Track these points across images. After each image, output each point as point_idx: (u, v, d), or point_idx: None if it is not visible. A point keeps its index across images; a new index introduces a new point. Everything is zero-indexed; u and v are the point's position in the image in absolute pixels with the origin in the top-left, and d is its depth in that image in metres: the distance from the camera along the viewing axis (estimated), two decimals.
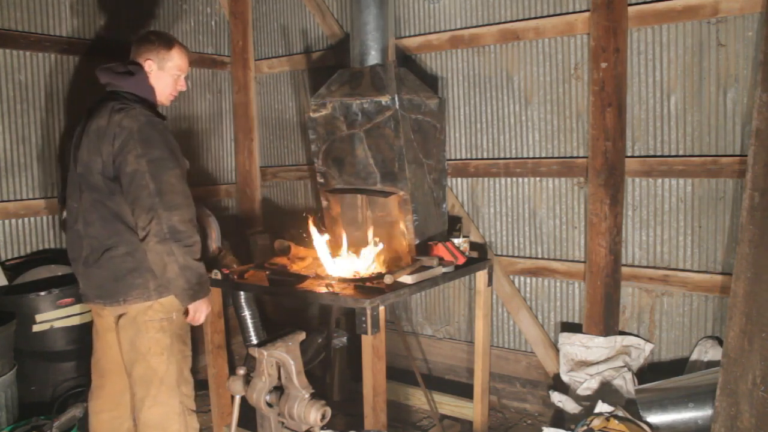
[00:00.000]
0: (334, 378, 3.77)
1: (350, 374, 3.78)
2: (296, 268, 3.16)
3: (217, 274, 3.05)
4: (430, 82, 3.73)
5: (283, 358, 1.99)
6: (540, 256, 3.58)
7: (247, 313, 3.53)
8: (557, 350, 3.48)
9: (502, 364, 3.75)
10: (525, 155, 3.56)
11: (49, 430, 2.96)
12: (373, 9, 3.26)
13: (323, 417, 1.96)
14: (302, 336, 2.10)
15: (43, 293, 3.16)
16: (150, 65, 2.57)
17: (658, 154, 3.17)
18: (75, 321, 3.26)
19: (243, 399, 2.09)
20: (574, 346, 3.32)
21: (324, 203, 3.55)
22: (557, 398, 3.29)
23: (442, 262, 3.08)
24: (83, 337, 3.16)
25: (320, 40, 4.29)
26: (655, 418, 2.78)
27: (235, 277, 3.09)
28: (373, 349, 2.65)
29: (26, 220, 3.57)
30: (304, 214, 3.35)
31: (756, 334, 2.50)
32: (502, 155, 3.63)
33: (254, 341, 3.52)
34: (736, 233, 2.94)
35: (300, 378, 1.99)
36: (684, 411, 2.76)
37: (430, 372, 4.06)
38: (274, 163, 4.70)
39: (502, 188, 3.66)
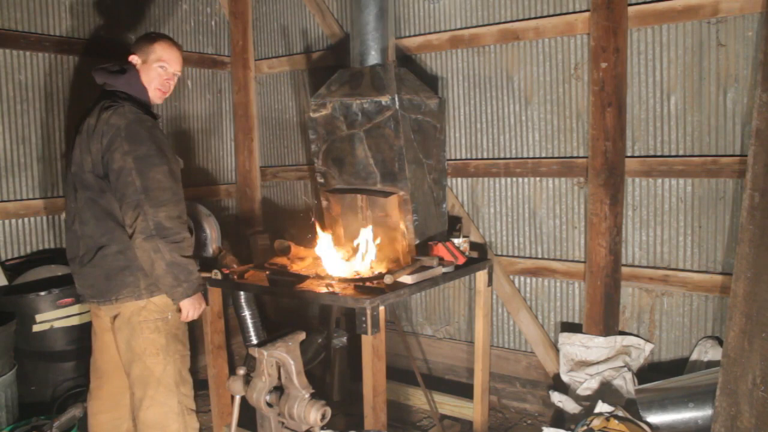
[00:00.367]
0: (334, 378, 3.76)
1: (350, 374, 3.78)
2: (296, 268, 3.16)
3: (217, 274, 3.05)
4: (430, 82, 3.73)
5: (283, 358, 1.99)
6: (540, 256, 3.58)
7: (247, 313, 3.53)
8: (557, 350, 3.48)
9: (502, 364, 3.75)
10: (525, 155, 3.56)
11: (49, 430, 2.96)
12: (373, 9, 3.26)
13: (323, 417, 1.97)
14: (302, 336, 2.10)
15: (43, 293, 3.16)
16: (135, 60, 2.59)
17: (658, 154, 3.17)
18: (75, 321, 3.26)
19: (243, 399, 2.09)
20: (574, 346, 3.32)
21: (324, 203, 3.55)
22: (557, 398, 3.29)
23: (442, 262, 3.08)
24: (83, 337, 3.16)
25: (320, 40, 4.29)
26: (655, 418, 2.77)
27: (235, 277, 3.09)
28: (373, 349, 2.65)
29: (26, 220, 3.57)
30: (311, 220, 3.32)
31: (756, 334, 2.50)
32: (502, 155, 3.63)
33: (254, 341, 3.52)
34: (736, 233, 2.94)
35: (300, 378, 1.99)
36: (684, 411, 2.76)
37: (430, 372, 4.06)
38: (274, 163, 4.70)
39: (502, 188, 3.66)
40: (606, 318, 3.30)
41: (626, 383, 3.10)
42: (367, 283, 2.84)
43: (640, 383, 3.07)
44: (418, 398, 3.63)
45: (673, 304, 3.21)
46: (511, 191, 3.64)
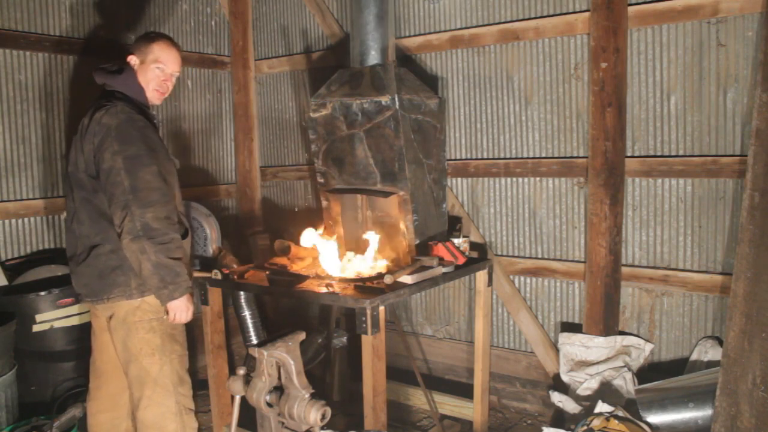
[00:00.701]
0: (334, 378, 3.76)
1: (350, 374, 3.78)
2: (296, 268, 3.16)
3: (217, 274, 3.05)
4: (430, 82, 3.73)
5: (283, 358, 1.99)
6: (540, 256, 3.58)
7: (247, 313, 3.53)
8: (557, 350, 3.47)
9: (502, 364, 3.75)
10: (525, 155, 3.55)
11: (49, 430, 2.96)
12: (373, 9, 3.26)
13: (323, 417, 1.97)
14: (302, 336, 2.10)
15: (43, 293, 3.16)
16: (133, 60, 2.59)
17: (658, 154, 3.17)
18: (75, 321, 3.25)
19: (243, 399, 2.09)
20: (574, 346, 3.32)
21: (324, 203, 3.55)
22: (557, 398, 3.29)
23: (442, 262, 3.08)
24: (83, 337, 3.16)
25: (320, 40, 4.29)
26: (655, 418, 2.77)
27: (235, 277, 3.09)
28: (373, 349, 2.65)
29: (26, 220, 3.57)
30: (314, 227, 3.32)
31: (756, 334, 2.50)
32: (502, 155, 3.63)
33: (254, 341, 3.52)
34: (736, 233, 2.94)
35: (300, 378, 1.99)
36: (684, 411, 2.76)
37: (430, 372, 4.06)
38: (274, 163, 4.70)
39: (502, 188, 3.66)
40: (606, 318, 3.30)
41: (626, 383, 3.10)
42: (367, 283, 2.84)
43: (640, 383, 3.07)
44: (418, 398, 3.63)
45: (673, 304, 3.21)
46: (511, 191, 3.64)
